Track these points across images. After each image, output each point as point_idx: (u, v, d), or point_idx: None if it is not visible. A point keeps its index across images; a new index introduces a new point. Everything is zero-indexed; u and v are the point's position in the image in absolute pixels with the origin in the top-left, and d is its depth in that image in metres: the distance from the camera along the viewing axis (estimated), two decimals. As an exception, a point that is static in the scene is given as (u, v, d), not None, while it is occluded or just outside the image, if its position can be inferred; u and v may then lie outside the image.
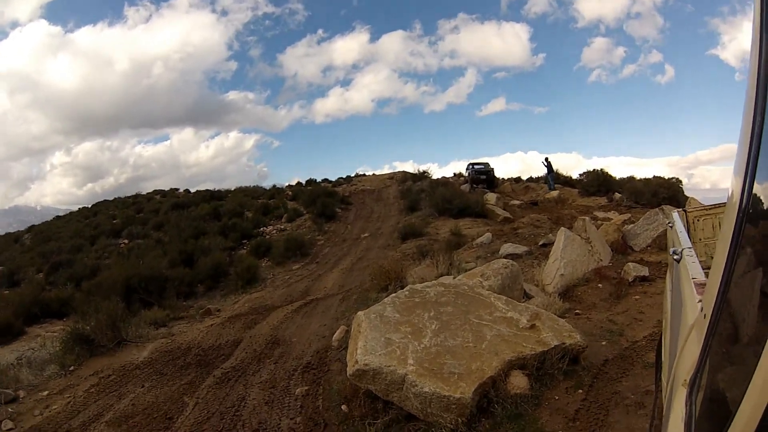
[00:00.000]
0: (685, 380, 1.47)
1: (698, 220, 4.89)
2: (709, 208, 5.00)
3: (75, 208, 50.43)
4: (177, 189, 45.87)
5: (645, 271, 8.24)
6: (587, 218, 10.87)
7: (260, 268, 17.42)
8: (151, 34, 75.29)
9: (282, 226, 23.65)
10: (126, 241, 26.63)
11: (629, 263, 8.70)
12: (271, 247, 19.08)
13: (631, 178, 27.10)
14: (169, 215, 30.35)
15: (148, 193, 46.19)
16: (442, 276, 9.31)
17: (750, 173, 1.07)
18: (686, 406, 1.34)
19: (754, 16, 1.18)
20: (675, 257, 2.75)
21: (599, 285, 8.25)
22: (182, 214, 29.24)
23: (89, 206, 47.34)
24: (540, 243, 12.39)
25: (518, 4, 72.44)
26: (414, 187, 26.25)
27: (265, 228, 23.70)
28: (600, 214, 17.85)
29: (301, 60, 76.78)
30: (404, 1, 77.61)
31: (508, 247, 12.09)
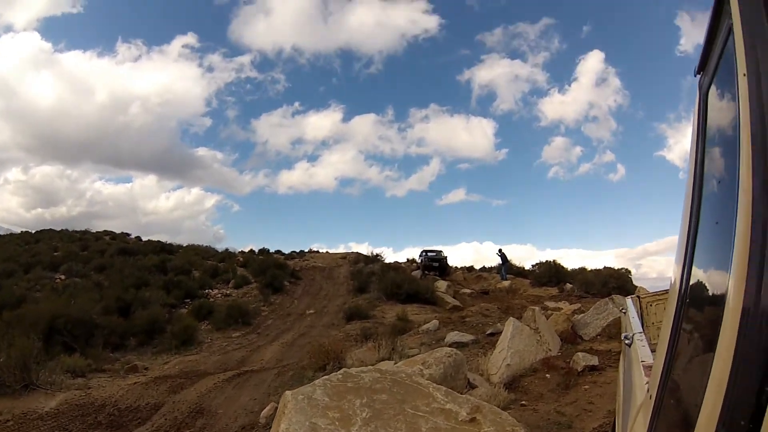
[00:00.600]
0: None
1: (651, 305, 5.05)
2: (661, 294, 5.14)
3: (18, 230, 48.11)
4: (128, 234, 44.52)
5: (594, 361, 8.13)
6: (537, 308, 11.03)
7: (199, 330, 16.77)
8: (137, 73, 75.67)
9: (228, 292, 23.02)
10: (63, 276, 24.96)
11: (578, 353, 8.57)
12: (213, 311, 18.44)
13: (582, 269, 27.53)
14: (115, 259, 29.22)
15: (97, 232, 44.67)
16: (382, 360, 9.20)
17: (688, 261, 1.17)
18: None
19: (693, 128, 1.37)
20: (626, 342, 2.84)
21: (547, 375, 8.15)
22: (128, 260, 28.16)
23: (33, 231, 45.53)
24: (488, 332, 12.47)
25: (487, 101, 76.54)
26: (365, 269, 26.19)
27: (210, 291, 22.99)
28: (551, 304, 17.93)
29: (273, 129, 77.97)
30: (381, 87, 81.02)
31: (454, 335, 12.14)
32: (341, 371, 5.48)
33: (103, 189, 79.72)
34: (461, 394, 6.06)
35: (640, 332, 2.98)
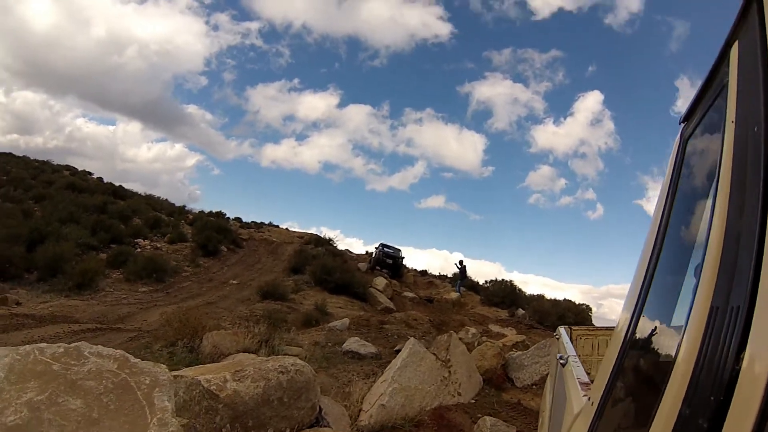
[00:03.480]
0: None
1: (580, 339, 5.05)
2: (591, 330, 5.26)
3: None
4: (90, 173, 42.67)
5: (511, 432, 6.04)
6: (453, 333, 8.38)
7: (104, 277, 15.60)
8: (141, 16, 73.73)
9: (160, 245, 21.73)
10: (-5, 198, 23.43)
11: (486, 417, 6.18)
12: (127, 261, 17.19)
13: (540, 297, 26.54)
14: (59, 192, 27.78)
15: (58, 164, 42.90)
16: (244, 351, 8.06)
17: (638, 310, 1.36)
18: None
19: (666, 177, 1.52)
20: (561, 362, 2.98)
21: (433, 438, 6.05)
22: (71, 196, 26.73)
23: (-6, 153, 43.42)
24: (396, 348, 10.61)
25: (483, 117, 76.55)
26: (311, 251, 24.81)
27: (141, 240, 21.73)
28: (495, 328, 16.76)
29: (267, 101, 76.72)
30: (381, 81, 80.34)
31: (353, 342, 10.30)
32: (61, 346, 4.01)
33: (84, 127, 77.66)
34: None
35: (575, 355, 3.10)
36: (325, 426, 5.56)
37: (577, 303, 24.11)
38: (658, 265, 1.37)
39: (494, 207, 79.89)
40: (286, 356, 5.99)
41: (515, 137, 76.26)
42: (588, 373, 2.54)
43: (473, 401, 7.20)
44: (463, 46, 79.02)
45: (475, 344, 10.21)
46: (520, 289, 25.38)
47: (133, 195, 34.54)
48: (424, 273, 31.89)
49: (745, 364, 0.68)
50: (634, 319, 1.39)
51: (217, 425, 4.59)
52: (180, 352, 7.79)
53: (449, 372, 7.22)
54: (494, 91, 76.11)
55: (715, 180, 0.96)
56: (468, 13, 77.83)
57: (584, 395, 1.95)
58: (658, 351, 1.15)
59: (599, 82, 78.34)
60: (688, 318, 0.91)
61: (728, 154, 0.92)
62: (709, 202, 0.97)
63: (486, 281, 28.36)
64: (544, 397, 4.26)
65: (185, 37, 75.80)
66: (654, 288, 1.35)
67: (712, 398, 0.73)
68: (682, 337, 0.91)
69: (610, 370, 1.44)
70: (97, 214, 23.50)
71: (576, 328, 5.37)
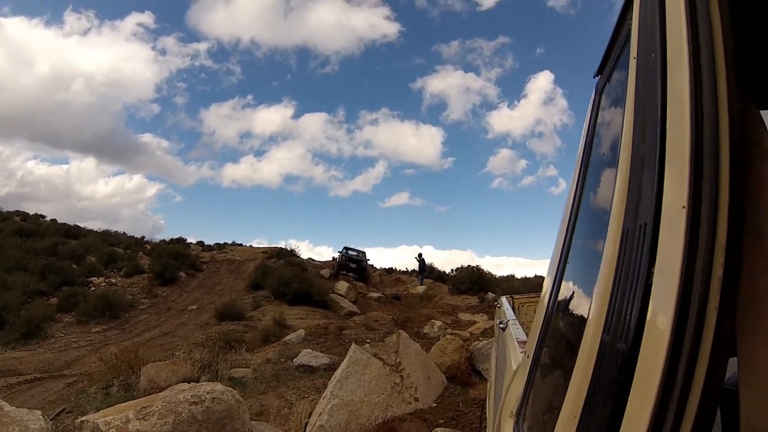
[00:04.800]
0: (512, 412, 1.69)
1: (523, 306, 5.23)
2: (532, 297, 5.43)
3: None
4: (43, 216, 41.29)
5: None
6: (402, 333, 7.76)
7: (54, 323, 15.10)
8: (84, 48, 71.79)
9: (115, 281, 21.18)
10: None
11: (438, 429, 5.52)
12: (78, 302, 16.64)
13: (510, 277, 26.38)
14: (6, 240, 26.78)
15: (7, 212, 41.36)
16: (186, 380, 7.80)
17: (559, 275, 1.47)
18: None
19: (583, 133, 1.56)
20: (501, 326, 3.15)
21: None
22: (18, 242, 25.79)
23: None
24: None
25: (438, 110, 77.34)
26: (272, 265, 24.36)
27: (96, 278, 21.13)
28: (465, 317, 16.58)
29: (222, 120, 75.84)
30: (334, 87, 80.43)
31: (305, 355, 10.02)
32: None
33: (36, 169, 75.27)
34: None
35: (514, 319, 3.30)
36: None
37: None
38: (575, 228, 1.44)
39: (459, 196, 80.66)
40: (205, 383, 5.69)
41: (472, 126, 77.21)
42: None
43: (435, 405, 6.63)
44: (411, 43, 79.70)
45: (441, 338, 9.96)
46: (488, 273, 25.03)
47: (87, 233, 33.57)
48: (390, 270, 31.67)
49: (655, 277, 0.72)
50: (556, 283, 1.50)
51: (120, 473, 4.32)
52: (116, 391, 7.58)
53: (401, 377, 6.65)
54: (446, 83, 77.05)
55: (623, 112, 1.01)
56: (414, 11, 78.57)
57: (521, 351, 2.07)
58: (582, 294, 1.22)
59: (548, 63, 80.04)
60: (604, 242, 0.96)
61: (631, 85, 0.98)
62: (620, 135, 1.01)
63: (452, 269, 28.28)
64: (490, 363, 4.43)
65: (132, 65, 74.34)
66: (573, 251, 1.42)
67: (628, 318, 0.76)
68: (600, 267, 0.96)
69: (541, 324, 1.54)
70: (47, 257, 22.79)
71: (518, 296, 5.58)
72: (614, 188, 0.97)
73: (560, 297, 1.45)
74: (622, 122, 1.00)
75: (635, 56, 0.99)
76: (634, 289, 0.77)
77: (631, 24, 1.06)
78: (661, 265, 0.72)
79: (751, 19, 0.86)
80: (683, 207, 0.68)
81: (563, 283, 1.46)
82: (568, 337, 1.30)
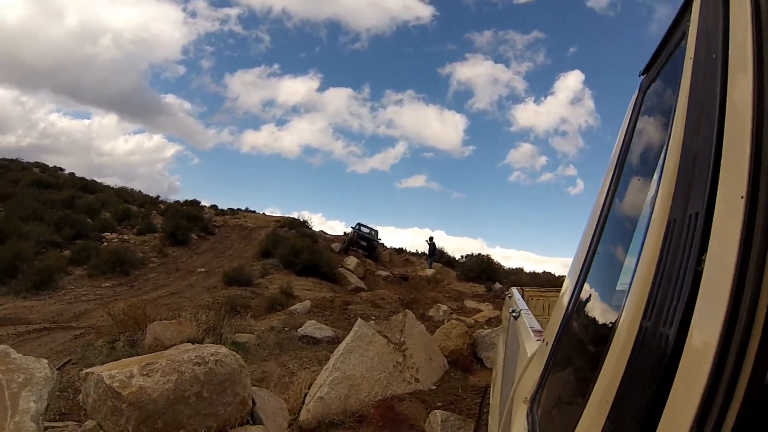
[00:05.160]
0: (526, 398, 1.68)
1: (532, 299, 5.14)
2: (542, 291, 5.39)
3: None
4: (62, 169, 41.76)
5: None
6: (409, 312, 7.55)
7: (66, 274, 15.36)
8: (115, 4, 71.56)
9: (128, 237, 21.43)
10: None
11: (437, 411, 5.35)
12: (90, 256, 16.87)
13: (518, 270, 26.39)
14: (24, 190, 27.14)
15: (27, 162, 41.87)
16: (190, 341, 7.87)
17: (581, 278, 1.46)
18: (527, 418, 1.54)
19: (621, 132, 1.54)
20: (513, 315, 3.13)
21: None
22: (35, 193, 26.13)
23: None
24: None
25: (464, 97, 76.48)
26: (284, 234, 24.41)
27: (109, 234, 21.39)
28: (471, 304, 16.58)
29: (247, 87, 75.51)
30: (362, 64, 79.70)
31: (309, 326, 9.96)
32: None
33: (59, 122, 75.80)
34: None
35: (527, 309, 3.28)
36: (258, 423, 5.02)
37: (557, 275, 23.92)
38: (607, 221, 1.45)
39: (475, 185, 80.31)
40: (210, 345, 5.68)
41: (496, 117, 76.49)
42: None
43: (434, 387, 6.61)
44: (444, 28, 78.69)
45: (446, 322, 9.93)
46: (498, 263, 25.00)
47: (103, 188, 33.94)
48: (400, 251, 31.65)
49: (707, 264, 0.71)
50: (578, 286, 1.50)
51: (122, 427, 4.34)
52: (121, 346, 7.68)
53: (404, 356, 6.59)
54: (475, 71, 76.07)
55: (673, 109, 1.02)
56: None
57: (537, 339, 2.11)
58: (613, 285, 1.23)
59: (580, 63, 78.76)
60: (645, 232, 0.97)
61: (685, 84, 0.98)
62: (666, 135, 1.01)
63: (462, 256, 28.18)
64: (496, 353, 4.40)
65: (162, 25, 74.17)
66: (603, 244, 1.44)
67: (675, 302, 0.76)
68: (639, 254, 0.97)
69: (563, 315, 1.54)
70: (63, 209, 23.08)
71: (528, 289, 5.46)
72: (658, 182, 0.97)
73: (586, 287, 1.45)
74: (671, 119, 1.01)
75: (692, 56, 0.99)
76: (681, 277, 0.77)
77: (689, 25, 1.06)
78: (714, 252, 0.71)
79: None
80: (741, 197, 0.67)
81: (587, 280, 1.45)
82: (594, 325, 1.30)
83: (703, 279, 0.71)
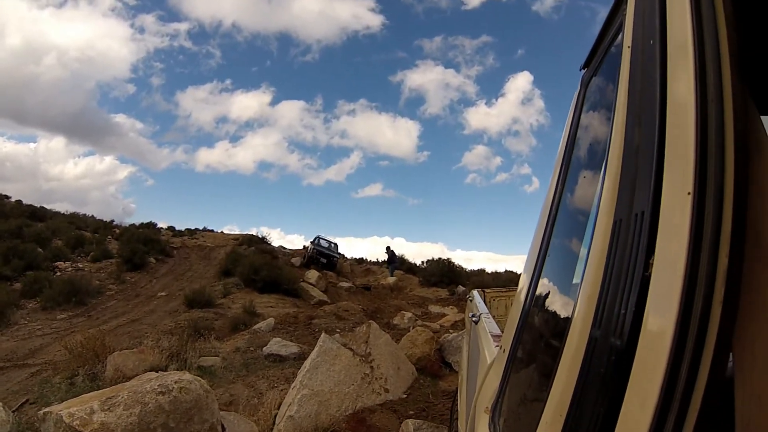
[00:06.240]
0: (487, 407, 1.66)
1: (494, 300, 5.22)
2: (503, 292, 5.49)
3: None
4: (8, 197, 40.09)
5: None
6: (373, 323, 7.74)
7: (17, 309, 14.74)
8: (59, 20, 69.15)
9: (82, 265, 20.76)
10: None
11: (408, 421, 5.45)
12: (43, 288, 16.26)
13: (480, 271, 26.66)
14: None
15: (-30, 193, 40.03)
16: (154, 369, 7.67)
17: (537, 270, 1.45)
18: (489, 428, 1.51)
19: (566, 126, 1.53)
20: (474, 319, 3.15)
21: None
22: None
23: None
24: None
25: (416, 104, 77.61)
26: (243, 252, 24.11)
27: (62, 263, 20.67)
28: (435, 309, 16.70)
29: (199, 104, 74.33)
30: (313, 75, 79.82)
31: (274, 344, 9.92)
32: None
33: (2, 147, 72.73)
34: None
35: (487, 312, 3.32)
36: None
37: (518, 273, 24.35)
38: (555, 223, 1.42)
39: (432, 190, 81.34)
40: (173, 372, 5.68)
41: (449, 121, 77.81)
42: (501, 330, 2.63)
43: (405, 396, 6.67)
44: (394, 36, 79.71)
45: (411, 329, 10.01)
46: (459, 266, 25.30)
47: (53, 215, 32.78)
48: (361, 261, 31.78)
49: (654, 268, 0.69)
50: (534, 280, 1.46)
51: (86, 467, 4.26)
52: (81, 381, 7.49)
53: (371, 367, 6.66)
54: (426, 78, 77.22)
55: (614, 102, 0.98)
56: (398, 4, 78.49)
57: (496, 345, 2.04)
58: (564, 289, 1.22)
59: (528, 64, 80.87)
60: (592, 234, 0.93)
61: (624, 74, 0.95)
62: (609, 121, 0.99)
63: (423, 261, 28.42)
64: (461, 356, 4.42)
65: (109, 42, 72.25)
66: (554, 246, 1.40)
67: (623, 311, 0.73)
68: (587, 258, 0.93)
69: (518, 319, 1.51)
70: (11, 239, 22.16)
71: (489, 290, 5.56)
72: (602, 179, 0.95)
73: (539, 291, 1.43)
74: (613, 113, 0.98)
75: (629, 45, 0.96)
76: (629, 282, 0.74)
77: (625, 14, 1.05)
78: (662, 255, 0.69)
79: (756, 3, 0.84)
80: (688, 193, 0.65)
81: (542, 278, 1.43)
82: (549, 331, 1.27)
83: (651, 285, 0.69)
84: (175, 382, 5.10)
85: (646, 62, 0.87)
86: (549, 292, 1.37)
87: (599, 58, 1.37)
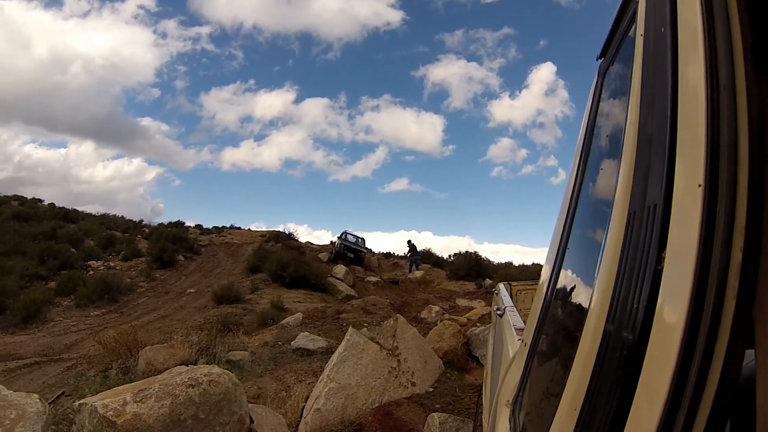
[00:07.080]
0: (508, 401, 1.69)
1: (520, 293, 5.20)
2: (529, 284, 5.40)
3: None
4: (41, 201, 41.20)
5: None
6: (400, 317, 7.64)
7: (53, 306, 15.18)
8: (83, 30, 70.86)
9: (113, 264, 21.23)
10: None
11: (434, 415, 5.27)
12: (77, 286, 16.70)
13: (507, 264, 26.30)
14: (4, 224, 26.75)
15: (5, 196, 41.20)
16: (184, 363, 7.82)
17: (558, 263, 1.45)
18: (510, 422, 1.54)
19: (585, 117, 1.53)
20: (498, 313, 3.14)
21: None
22: (15, 226, 25.76)
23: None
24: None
25: (439, 98, 77.07)
26: (270, 249, 24.29)
27: (94, 262, 21.18)
28: (463, 302, 16.52)
29: (223, 104, 75.21)
30: (336, 73, 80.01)
31: (302, 338, 9.98)
32: None
33: (34, 153, 74.69)
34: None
35: (512, 306, 3.29)
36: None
37: (546, 265, 23.99)
38: (576, 215, 1.41)
39: (458, 183, 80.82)
40: (203, 366, 5.70)
41: (473, 114, 77.21)
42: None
43: (432, 389, 6.58)
44: (415, 31, 79.40)
45: (438, 323, 9.93)
46: (486, 259, 25.06)
47: (85, 217, 33.57)
48: (388, 255, 31.68)
49: (666, 262, 0.68)
50: (555, 270, 1.47)
51: (119, 457, 4.34)
52: (114, 374, 7.64)
53: (398, 361, 6.59)
54: (449, 72, 76.77)
55: (629, 92, 0.98)
56: (418, 0, 77.65)
57: (518, 339, 2.06)
58: (582, 282, 1.20)
59: (551, 55, 79.73)
60: (607, 226, 0.93)
61: (638, 63, 0.94)
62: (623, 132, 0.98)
63: (450, 255, 28.24)
64: (487, 348, 4.50)
65: (133, 48, 73.58)
66: (574, 238, 1.39)
67: (635, 306, 0.72)
68: (602, 251, 0.92)
69: (539, 312, 1.52)
70: (46, 241, 22.80)
71: (515, 283, 5.52)
72: (618, 171, 0.94)
73: (559, 285, 1.42)
74: (628, 103, 0.97)
75: (642, 33, 0.96)
76: (641, 276, 0.73)
77: (638, 1, 1.04)
78: (673, 249, 0.68)
79: None
80: (699, 185, 0.63)
81: (562, 271, 1.43)
82: (567, 325, 1.27)
83: (662, 279, 0.68)
84: (205, 376, 5.12)
85: (658, 50, 0.85)
86: (568, 285, 1.36)
87: (614, 47, 1.36)
